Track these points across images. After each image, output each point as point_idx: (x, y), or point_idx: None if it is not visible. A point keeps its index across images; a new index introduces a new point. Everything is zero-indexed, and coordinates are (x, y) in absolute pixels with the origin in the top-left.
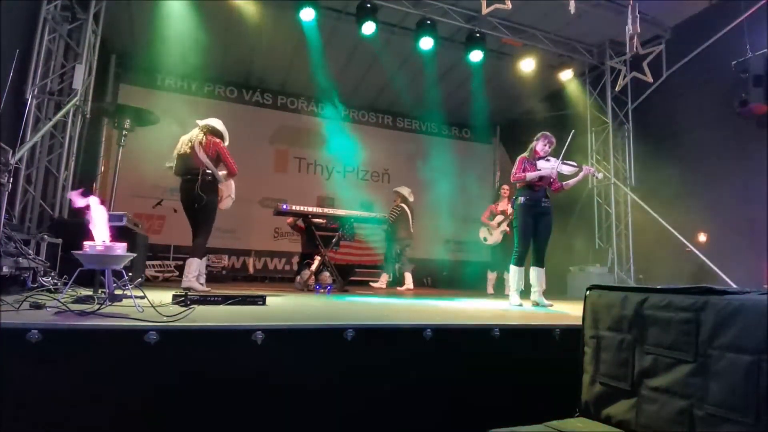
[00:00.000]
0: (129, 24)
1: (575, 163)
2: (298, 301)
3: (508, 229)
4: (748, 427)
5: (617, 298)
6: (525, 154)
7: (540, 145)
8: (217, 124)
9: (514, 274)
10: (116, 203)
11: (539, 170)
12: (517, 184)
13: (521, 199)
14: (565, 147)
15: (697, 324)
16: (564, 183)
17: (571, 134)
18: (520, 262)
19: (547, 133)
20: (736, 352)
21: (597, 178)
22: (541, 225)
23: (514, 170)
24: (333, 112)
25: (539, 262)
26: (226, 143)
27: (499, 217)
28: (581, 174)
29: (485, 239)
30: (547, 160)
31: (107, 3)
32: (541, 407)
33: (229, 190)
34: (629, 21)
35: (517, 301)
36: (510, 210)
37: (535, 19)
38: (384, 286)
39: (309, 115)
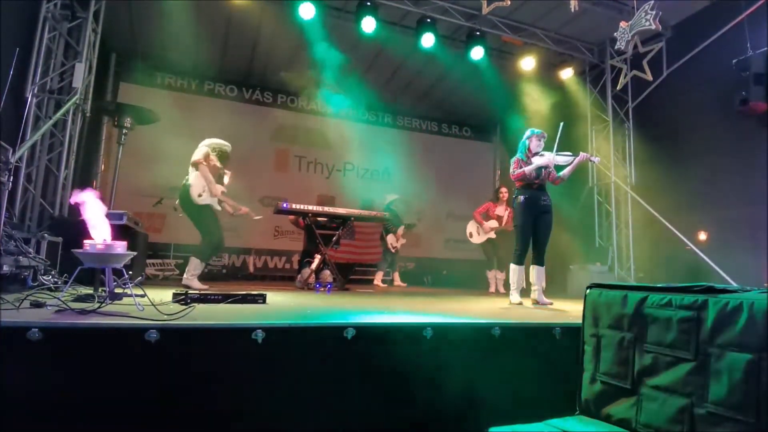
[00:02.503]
0: (129, 22)
1: (570, 153)
2: (298, 300)
3: (494, 235)
4: (748, 426)
5: (617, 296)
6: (518, 156)
7: (534, 143)
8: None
9: (514, 272)
10: (116, 202)
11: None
12: (516, 183)
13: (521, 197)
14: (557, 140)
15: (697, 322)
16: (561, 173)
17: (561, 126)
18: (520, 261)
19: (536, 129)
20: (736, 350)
21: (594, 162)
22: (541, 223)
23: (511, 170)
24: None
25: (539, 261)
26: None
27: (494, 223)
28: (577, 160)
29: (471, 235)
30: (541, 155)
31: (107, 1)
32: (541, 405)
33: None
34: (650, 18)
35: (517, 300)
36: (505, 218)
37: (535, 18)
38: (381, 284)
39: (310, 114)
